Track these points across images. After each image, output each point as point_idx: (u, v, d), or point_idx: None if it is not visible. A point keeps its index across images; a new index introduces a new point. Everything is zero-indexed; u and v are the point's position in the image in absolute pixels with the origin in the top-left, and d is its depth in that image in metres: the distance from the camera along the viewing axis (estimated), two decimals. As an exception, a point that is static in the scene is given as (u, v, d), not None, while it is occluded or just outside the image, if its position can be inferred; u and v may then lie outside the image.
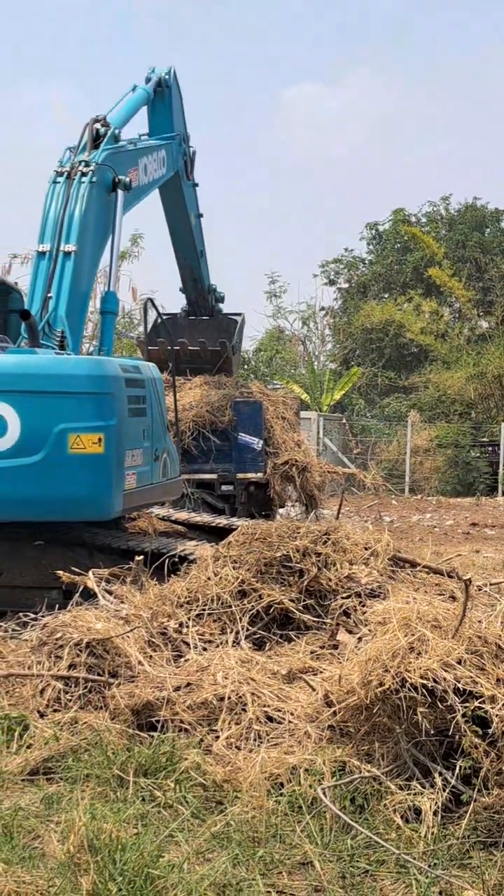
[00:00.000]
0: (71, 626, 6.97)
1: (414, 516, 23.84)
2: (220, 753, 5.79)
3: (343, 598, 7.00)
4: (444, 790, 5.12)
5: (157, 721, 6.18)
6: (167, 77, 13.56)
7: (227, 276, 59.08)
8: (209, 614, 7.08)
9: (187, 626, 7.01)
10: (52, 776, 5.82)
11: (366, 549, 7.37)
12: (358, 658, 5.63)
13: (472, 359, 37.08)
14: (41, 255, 10.44)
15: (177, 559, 9.01)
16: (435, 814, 5.03)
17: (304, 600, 7.11)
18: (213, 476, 15.46)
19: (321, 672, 6.37)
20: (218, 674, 6.38)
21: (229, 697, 6.17)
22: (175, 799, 5.41)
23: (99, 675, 6.70)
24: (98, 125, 11.16)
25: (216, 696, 6.20)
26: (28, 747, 6.13)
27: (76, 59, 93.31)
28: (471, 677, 5.22)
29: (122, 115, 12.07)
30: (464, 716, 5.14)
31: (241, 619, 6.99)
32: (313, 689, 6.06)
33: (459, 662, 5.28)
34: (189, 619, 7.07)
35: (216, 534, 11.09)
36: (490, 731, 5.13)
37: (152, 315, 16.52)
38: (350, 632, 6.74)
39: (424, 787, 5.17)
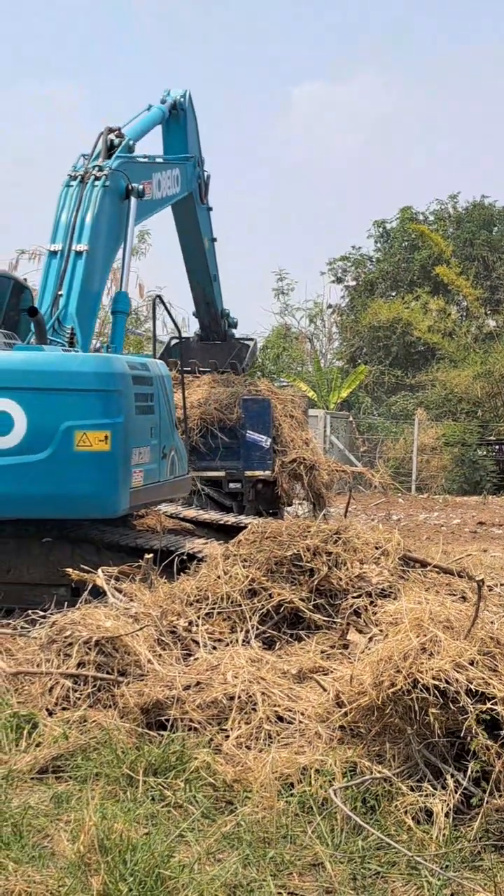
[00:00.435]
0: (80, 624, 6.95)
1: (421, 515, 23.80)
2: (230, 753, 5.77)
3: (354, 597, 6.97)
4: (456, 792, 5.10)
5: (167, 720, 6.16)
6: (182, 100, 13.60)
7: (234, 274, 59.08)
8: (219, 613, 7.06)
9: (197, 625, 6.99)
10: (62, 775, 5.80)
11: (376, 548, 7.35)
12: (369, 658, 5.61)
13: (479, 357, 37.03)
14: (53, 254, 10.46)
15: (185, 557, 9.00)
16: (446, 815, 5.01)
17: (315, 599, 7.09)
18: (221, 474, 15.44)
19: (332, 672, 6.34)
20: (228, 673, 6.36)
21: (239, 697, 6.14)
22: (185, 799, 5.39)
23: (108, 673, 6.67)
24: (112, 136, 11.17)
25: (226, 695, 6.17)
26: (37, 745, 6.11)
27: (76, 59, 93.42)
28: (483, 678, 5.20)
29: (136, 129, 12.11)
30: (476, 717, 5.11)
31: (251, 617, 6.97)
32: (324, 689, 6.04)
33: (472, 663, 5.26)
34: (199, 617, 7.05)
35: (224, 532, 11.07)
36: (502, 732, 5.11)
37: (160, 311, 16.53)
38: (360, 631, 6.71)
39: (436, 789, 5.15)
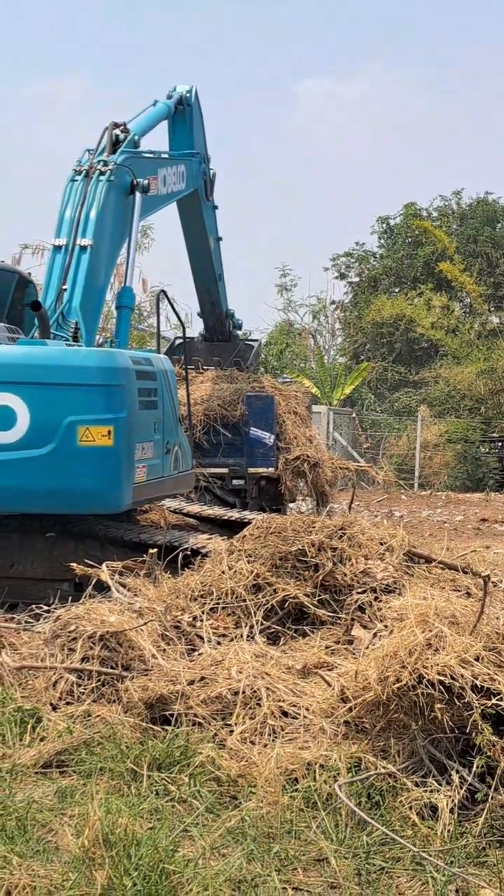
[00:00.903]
0: (84, 619, 6.94)
1: (424, 511, 23.79)
2: (234, 748, 5.76)
3: (358, 593, 6.96)
4: (461, 788, 5.09)
5: (171, 715, 6.16)
6: (188, 95, 13.55)
7: (238, 271, 59.05)
8: (223, 608, 7.05)
9: (201, 620, 6.98)
10: (66, 769, 5.80)
11: (381, 544, 7.34)
12: (375, 654, 5.60)
13: (482, 354, 37.00)
14: (57, 248, 10.44)
15: (189, 552, 8.99)
16: (451, 811, 5.00)
17: (319, 595, 7.08)
18: (225, 470, 15.42)
19: (336, 667, 6.34)
20: (232, 668, 6.35)
21: (244, 692, 6.14)
22: (189, 793, 5.38)
23: (112, 668, 6.67)
24: (118, 131, 11.15)
25: (230, 690, 6.17)
26: (41, 740, 6.10)
27: (82, 54, 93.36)
28: (488, 674, 5.19)
29: (142, 124, 12.07)
30: (481, 713, 5.10)
31: (255, 613, 6.96)
32: (329, 685, 6.03)
33: (477, 659, 5.25)
34: (203, 612, 7.04)
35: (228, 527, 11.07)
36: (507, 728, 5.10)
37: (164, 306, 16.53)
38: (365, 627, 6.70)
39: (441, 785, 5.14)
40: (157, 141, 13.11)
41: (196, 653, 6.75)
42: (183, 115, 13.57)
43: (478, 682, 5.16)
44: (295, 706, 6.06)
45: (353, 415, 34.88)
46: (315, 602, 7.03)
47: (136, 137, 11.36)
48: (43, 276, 10.66)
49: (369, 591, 6.93)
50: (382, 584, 6.96)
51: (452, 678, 5.17)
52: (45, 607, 7.79)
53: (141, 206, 10.93)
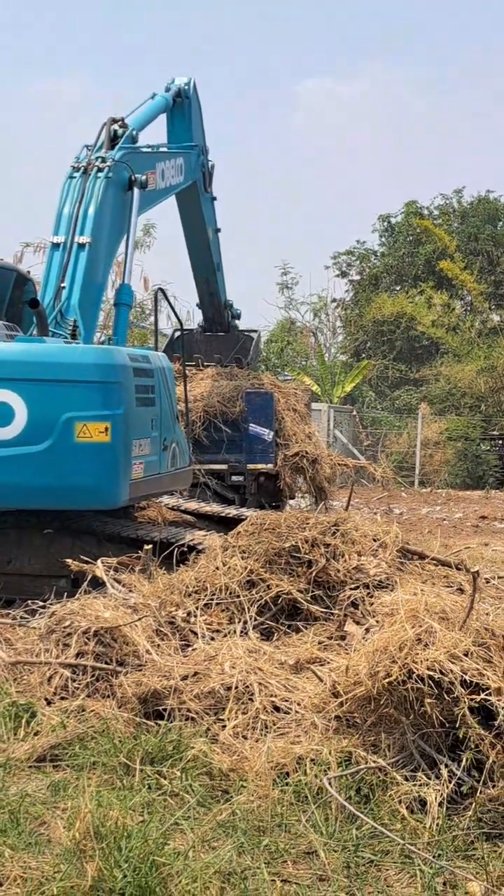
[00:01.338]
0: (79, 615, 6.99)
1: (423, 509, 23.82)
2: (226, 743, 5.81)
3: (351, 589, 7.00)
4: (450, 782, 5.13)
5: (165, 710, 6.20)
6: (186, 88, 13.54)
7: (239, 269, 59.11)
8: (217, 604, 7.10)
9: (195, 616, 7.03)
10: (59, 763, 5.84)
11: (374, 540, 7.38)
12: (365, 649, 5.64)
13: (482, 352, 37.00)
14: (55, 246, 10.47)
15: (186, 549, 9.03)
16: (440, 805, 5.05)
17: (313, 591, 7.12)
18: (224, 466, 15.48)
19: (329, 663, 6.38)
20: (225, 663, 6.39)
21: (236, 687, 6.18)
22: (181, 787, 5.42)
23: (107, 663, 6.72)
24: (116, 126, 11.16)
25: (223, 685, 6.21)
26: (35, 734, 6.15)
27: (81, 53, 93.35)
28: (478, 669, 5.23)
29: (140, 119, 12.07)
30: (470, 708, 5.15)
31: (249, 608, 7.00)
32: (321, 680, 6.07)
33: (466, 654, 5.29)
34: (197, 608, 7.08)
35: (226, 524, 11.11)
36: (496, 723, 5.14)
37: (163, 304, 16.58)
38: (358, 623, 6.74)
39: (430, 779, 5.18)
40: (156, 132, 13.14)
41: (190, 648, 6.80)
42: (181, 108, 13.56)
43: (467, 677, 5.21)
44: (287, 701, 6.10)
45: (354, 412, 34.91)
46: (308, 598, 7.08)
47: (135, 132, 11.37)
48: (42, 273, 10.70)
49: (362, 587, 6.97)
50: (375, 581, 7.00)
51: (442, 673, 5.22)
52: (41, 603, 7.83)
53: (139, 201, 10.95)
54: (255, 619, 6.98)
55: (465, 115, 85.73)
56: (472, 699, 5.16)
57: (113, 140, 11.04)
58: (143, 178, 10.99)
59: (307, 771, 5.42)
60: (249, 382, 16.00)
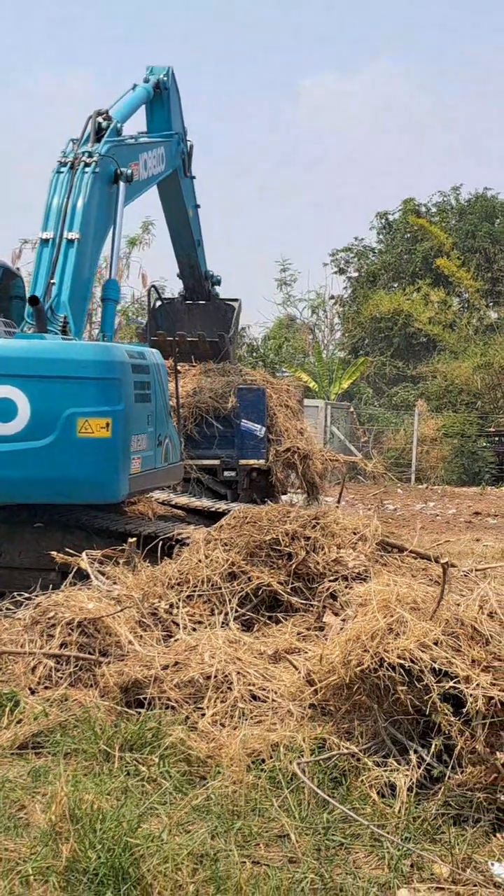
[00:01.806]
0: (63, 606, 7.11)
1: (417, 505, 23.94)
2: (204, 730, 5.93)
3: (330, 580, 7.11)
4: (419, 767, 5.24)
5: (145, 698, 6.32)
6: (165, 78, 13.60)
7: (238, 266, 59.14)
8: (199, 596, 7.21)
9: (177, 607, 7.14)
10: (41, 751, 5.96)
11: (354, 533, 7.49)
12: (339, 638, 5.75)
13: (479, 349, 37.11)
14: (44, 242, 10.56)
15: (172, 542, 9.14)
16: (409, 790, 5.16)
17: (293, 583, 7.24)
18: (216, 462, 15.57)
19: (306, 653, 6.49)
20: (205, 653, 6.51)
21: (216, 676, 6.30)
22: (159, 773, 5.54)
23: (90, 653, 6.83)
24: (100, 119, 11.26)
25: (203, 674, 6.33)
26: (18, 723, 6.26)
27: (84, 47, 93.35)
28: (447, 658, 5.33)
29: (123, 111, 12.15)
30: (439, 695, 5.26)
31: (230, 600, 7.12)
32: (296, 669, 6.19)
33: (436, 643, 5.39)
34: (179, 600, 7.20)
35: (215, 519, 11.19)
36: (465, 710, 5.25)
37: (155, 302, 16.65)
38: (336, 614, 6.85)
39: (401, 765, 5.30)
40: (135, 120, 13.15)
41: (171, 639, 6.91)
42: (161, 98, 13.60)
43: (436, 666, 5.32)
44: (264, 690, 6.22)
45: (351, 409, 35.02)
46: (288, 590, 7.19)
47: (119, 125, 11.44)
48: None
49: (341, 579, 7.08)
50: (354, 573, 7.11)
51: (412, 661, 5.33)
52: (27, 595, 7.94)
53: (125, 194, 11.07)
54: (237, 611, 7.09)
55: (464, 113, 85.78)
56: (441, 687, 5.27)
57: (98, 133, 11.13)
58: (129, 171, 11.09)
59: (282, 757, 5.54)
60: (241, 378, 16.08)
